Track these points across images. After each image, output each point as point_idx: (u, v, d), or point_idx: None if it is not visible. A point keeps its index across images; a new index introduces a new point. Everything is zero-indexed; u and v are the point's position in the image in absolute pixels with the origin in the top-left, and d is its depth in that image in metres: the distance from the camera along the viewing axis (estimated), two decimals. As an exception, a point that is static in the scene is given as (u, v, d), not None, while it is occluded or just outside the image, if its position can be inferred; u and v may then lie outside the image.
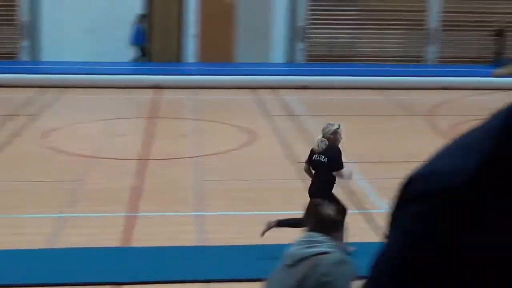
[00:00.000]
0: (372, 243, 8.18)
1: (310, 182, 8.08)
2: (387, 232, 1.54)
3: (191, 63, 22.89)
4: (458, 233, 1.37)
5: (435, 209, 1.35)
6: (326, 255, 4.62)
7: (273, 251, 6.38)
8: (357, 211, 9.46)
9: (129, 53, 21.74)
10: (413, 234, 1.48)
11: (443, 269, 1.46)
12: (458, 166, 1.33)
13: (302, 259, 4.63)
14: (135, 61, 22.12)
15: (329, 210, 4.99)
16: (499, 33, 23.05)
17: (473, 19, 23.57)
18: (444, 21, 23.53)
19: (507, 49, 23.24)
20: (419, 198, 1.43)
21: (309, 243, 4.68)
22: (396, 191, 1.61)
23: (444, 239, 1.40)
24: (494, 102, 16.00)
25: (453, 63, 22.97)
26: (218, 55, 22.61)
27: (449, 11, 23.46)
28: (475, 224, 1.37)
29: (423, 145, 13.75)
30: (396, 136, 14.38)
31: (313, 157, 8.04)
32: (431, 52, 23.66)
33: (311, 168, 8.14)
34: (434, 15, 23.53)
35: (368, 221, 9.12)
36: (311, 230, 4.81)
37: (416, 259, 1.46)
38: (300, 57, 23.53)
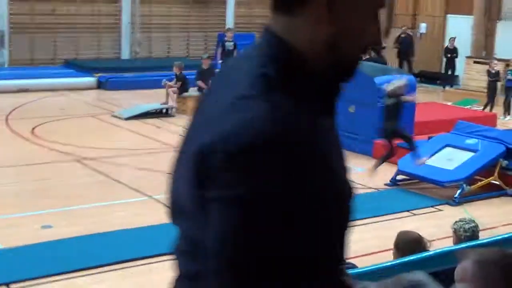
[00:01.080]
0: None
1: None
2: (213, 212, 1.46)
3: None
4: (293, 178, 1.45)
5: (265, 159, 1.42)
6: None
7: None
8: None
9: None
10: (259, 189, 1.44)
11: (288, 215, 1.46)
12: (246, 119, 1.45)
13: None
14: None
15: None
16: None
17: (41, 21, 23.71)
18: (13, 23, 23.24)
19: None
20: (238, 157, 1.42)
21: None
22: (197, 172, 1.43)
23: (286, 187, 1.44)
24: (70, 102, 16.45)
25: (26, 65, 22.91)
26: None
27: (17, 13, 23.25)
28: (291, 169, 1.45)
29: (5, 150, 13.58)
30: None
31: None
32: (3, 55, 23.25)
33: None
34: (2, 18, 23.11)
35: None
36: None
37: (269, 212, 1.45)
38: None
